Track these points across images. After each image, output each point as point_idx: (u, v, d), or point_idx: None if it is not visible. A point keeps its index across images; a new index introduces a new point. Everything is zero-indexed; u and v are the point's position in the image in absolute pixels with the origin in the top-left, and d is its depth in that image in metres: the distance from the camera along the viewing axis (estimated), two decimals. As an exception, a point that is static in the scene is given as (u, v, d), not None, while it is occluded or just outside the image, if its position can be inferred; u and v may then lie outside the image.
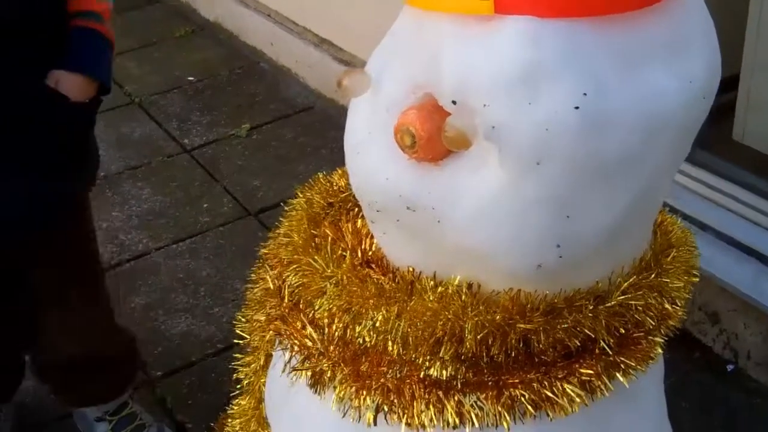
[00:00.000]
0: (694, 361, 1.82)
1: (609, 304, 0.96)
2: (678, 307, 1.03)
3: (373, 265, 1.04)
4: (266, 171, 2.59)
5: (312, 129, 2.79)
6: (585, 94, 0.80)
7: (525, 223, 0.85)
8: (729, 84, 2.04)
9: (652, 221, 1.03)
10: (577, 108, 0.79)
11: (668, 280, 1.02)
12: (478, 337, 0.93)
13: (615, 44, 0.83)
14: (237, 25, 3.49)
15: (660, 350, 1.05)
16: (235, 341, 1.89)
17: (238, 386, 1.34)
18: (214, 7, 3.64)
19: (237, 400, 1.36)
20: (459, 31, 0.84)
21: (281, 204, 1.21)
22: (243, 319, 1.22)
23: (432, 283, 0.96)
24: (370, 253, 1.06)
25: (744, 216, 1.77)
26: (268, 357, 1.26)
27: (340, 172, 1.23)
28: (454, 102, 0.84)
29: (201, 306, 2.07)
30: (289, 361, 1.08)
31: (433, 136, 0.86)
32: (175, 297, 2.10)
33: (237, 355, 1.32)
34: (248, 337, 1.25)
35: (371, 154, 0.92)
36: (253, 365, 1.30)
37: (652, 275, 1.00)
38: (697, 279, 1.08)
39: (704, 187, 1.86)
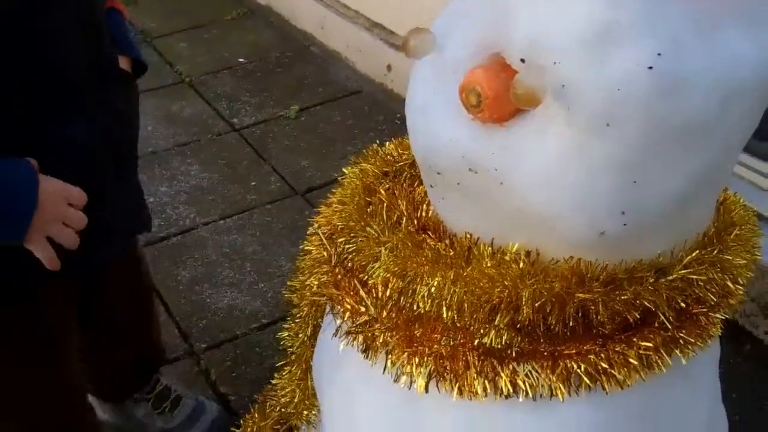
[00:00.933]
0: (744, 353, 1.78)
1: (671, 278, 0.94)
2: (740, 286, 1.01)
3: (429, 232, 1.04)
4: (314, 152, 2.59)
5: (360, 112, 2.79)
6: (659, 54, 0.77)
7: (590, 187, 0.83)
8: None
9: (717, 195, 1.00)
10: (650, 68, 0.77)
11: (731, 257, 0.99)
12: (536, 305, 0.92)
13: (693, 4, 0.81)
14: (288, 8, 3.50)
15: (719, 329, 1.03)
16: (280, 316, 1.91)
17: (284, 357, 1.34)
18: (265, -10, 3.66)
19: (282, 371, 1.36)
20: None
21: (328, 184, 1.20)
22: (294, 285, 1.21)
23: (489, 249, 0.95)
24: (425, 219, 1.05)
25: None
26: (316, 327, 1.26)
27: (395, 142, 1.22)
28: (522, 60, 0.82)
29: (246, 281, 2.07)
30: (340, 326, 1.07)
31: (500, 96, 0.84)
32: (221, 271, 2.11)
33: (285, 326, 1.31)
34: (298, 305, 1.25)
35: (435, 114, 0.91)
36: (300, 335, 1.30)
37: (715, 251, 0.98)
38: (760, 257, 1.06)
39: (762, 177, 1.81)
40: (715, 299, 0.97)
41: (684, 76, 0.78)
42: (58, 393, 1.37)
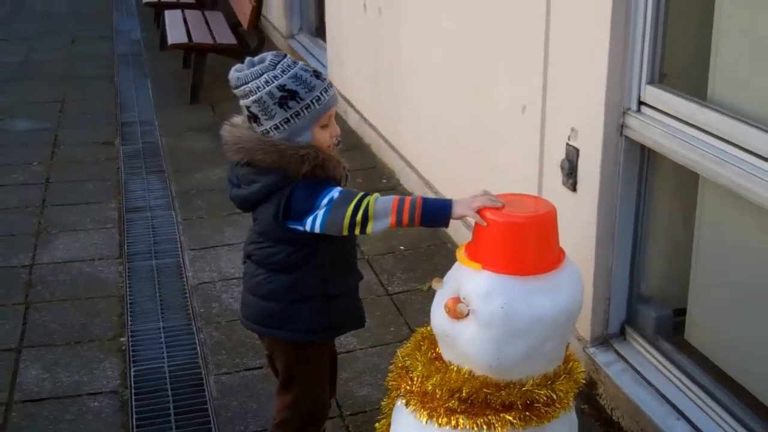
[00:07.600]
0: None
1: (524, 389, 2.35)
2: (561, 398, 2.39)
3: (438, 359, 2.50)
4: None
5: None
6: (506, 303, 2.24)
7: (484, 347, 2.29)
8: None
9: (552, 358, 2.40)
10: (502, 308, 2.24)
11: (557, 385, 2.39)
12: (470, 392, 2.35)
13: (525, 286, 2.27)
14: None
15: (555, 415, 2.40)
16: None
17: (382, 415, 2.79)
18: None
19: (380, 422, 2.82)
20: (469, 272, 2.32)
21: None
22: (388, 378, 2.68)
23: (455, 367, 2.40)
24: (438, 353, 2.52)
25: (676, 385, 3.02)
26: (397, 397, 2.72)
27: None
28: (464, 298, 2.31)
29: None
30: (400, 394, 2.54)
31: (455, 311, 2.33)
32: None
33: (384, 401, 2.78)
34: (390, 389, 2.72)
35: (437, 313, 2.41)
36: (388, 402, 2.77)
37: (549, 382, 2.38)
38: (579, 387, 2.44)
39: (660, 365, 3.12)
40: (545, 400, 2.36)
41: (515, 313, 2.24)
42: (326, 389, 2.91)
